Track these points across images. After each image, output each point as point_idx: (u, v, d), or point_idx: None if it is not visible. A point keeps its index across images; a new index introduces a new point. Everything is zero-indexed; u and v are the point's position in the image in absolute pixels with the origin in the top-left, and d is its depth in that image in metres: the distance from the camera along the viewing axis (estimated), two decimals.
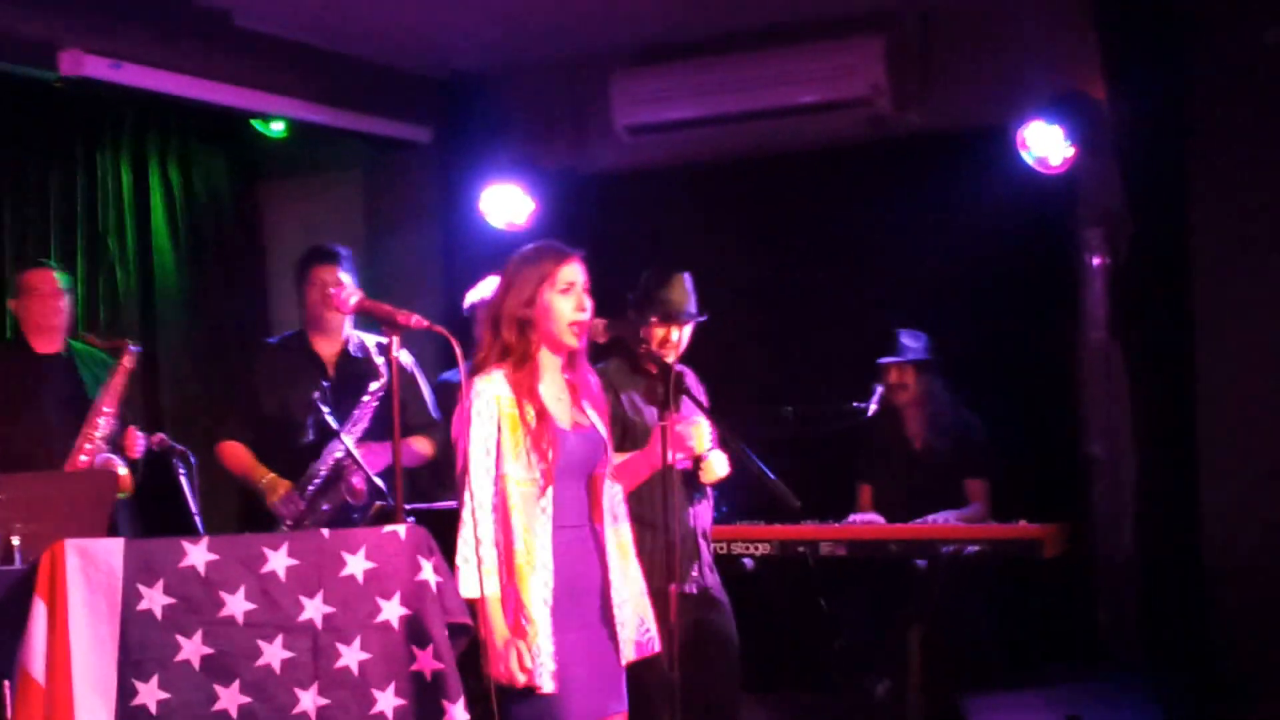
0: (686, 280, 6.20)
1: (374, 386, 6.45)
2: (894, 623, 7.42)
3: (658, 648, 5.07)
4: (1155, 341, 7.61)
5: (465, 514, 4.71)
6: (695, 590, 6.12)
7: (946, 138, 8.17)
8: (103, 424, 6.61)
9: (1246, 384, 7.57)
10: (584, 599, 4.87)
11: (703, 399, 6.27)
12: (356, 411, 6.43)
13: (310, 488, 6.39)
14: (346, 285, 6.52)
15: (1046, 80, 7.72)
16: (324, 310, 6.64)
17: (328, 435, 6.42)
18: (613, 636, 4.91)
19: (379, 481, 6.26)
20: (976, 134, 7.95)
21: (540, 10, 8.11)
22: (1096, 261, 7.74)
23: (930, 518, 7.40)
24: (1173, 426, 7.56)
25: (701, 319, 6.20)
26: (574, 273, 4.92)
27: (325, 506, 6.38)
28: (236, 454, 6.62)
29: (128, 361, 6.68)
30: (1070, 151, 7.49)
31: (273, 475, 6.46)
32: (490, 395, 4.80)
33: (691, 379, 6.31)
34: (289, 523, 6.35)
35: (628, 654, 4.96)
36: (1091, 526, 7.59)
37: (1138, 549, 7.50)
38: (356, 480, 6.38)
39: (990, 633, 7.37)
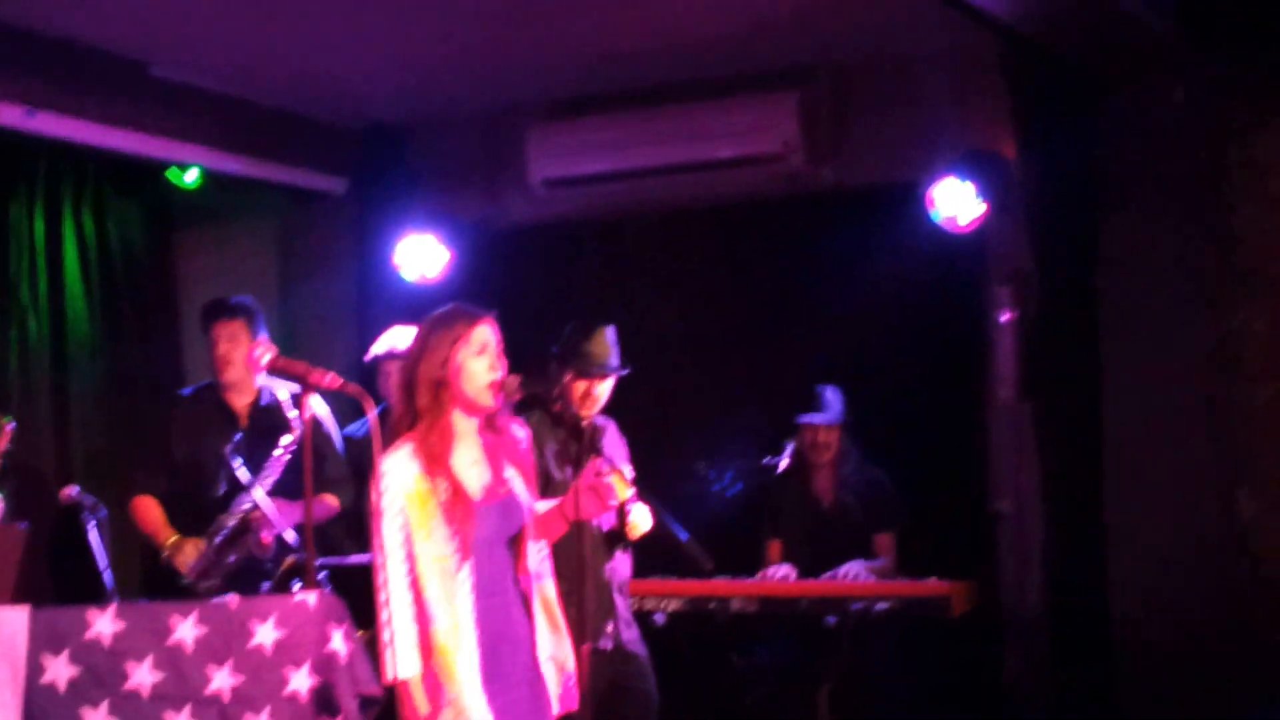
0: (609, 334, 6.26)
1: (286, 440, 6.44)
2: (804, 679, 7.44)
3: (576, 704, 5.04)
4: (1063, 399, 7.69)
5: (381, 597, 4.67)
6: (610, 646, 6.15)
7: (859, 194, 8.24)
8: None
9: (1153, 442, 7.67)
10: (512, 662, 4.84)
11: (624, 452, 6.33)
12: (267, 465, 6.41)
13: (217, 539, 6.36)
14: (261, 343, 6.56)
15: (958, 139, 7.81)
16: (224, 366, 6.65)
17: (239, 488, 6.40)
18: (541, 694, 4.91)
19: (290, 535, 6.24)
20: (888, 191, 8.02)
21: (456, 64, 8.13)
22: (1006, 319, 7.82)
23: (841, 569, 7.44)
24: (1080, 484, 7.64)
25: (623, 373, 6.25)
26: (487, 334, 4.92)
27: (231, 559, 6.36)
28: (147, 510, 6.59)
29: (2, 442, 6.40)
30: (981, 209, 7.56)
31: (178, 537, 6.43)
32: (397, 476, 4.77)
33: (613, 432, 6.37)
34: (192, 578, 6.32)
35: (555, 708, 4.96)
36: (999, 583, 7.66)
37: (1045, 606, 7.57)
38: (264, 534, 6.37)
39: (899, 690, 7.40)
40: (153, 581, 6.55)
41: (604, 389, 6.26)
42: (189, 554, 6.36)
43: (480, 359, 4.87)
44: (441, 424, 4.85)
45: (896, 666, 7.39)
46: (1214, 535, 7.52)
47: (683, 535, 5.46)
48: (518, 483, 4.98)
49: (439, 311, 5.02)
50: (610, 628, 6.22)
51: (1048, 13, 6.94)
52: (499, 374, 4.89)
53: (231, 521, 6.39)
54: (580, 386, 6.19)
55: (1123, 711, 7.55)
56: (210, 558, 6.34)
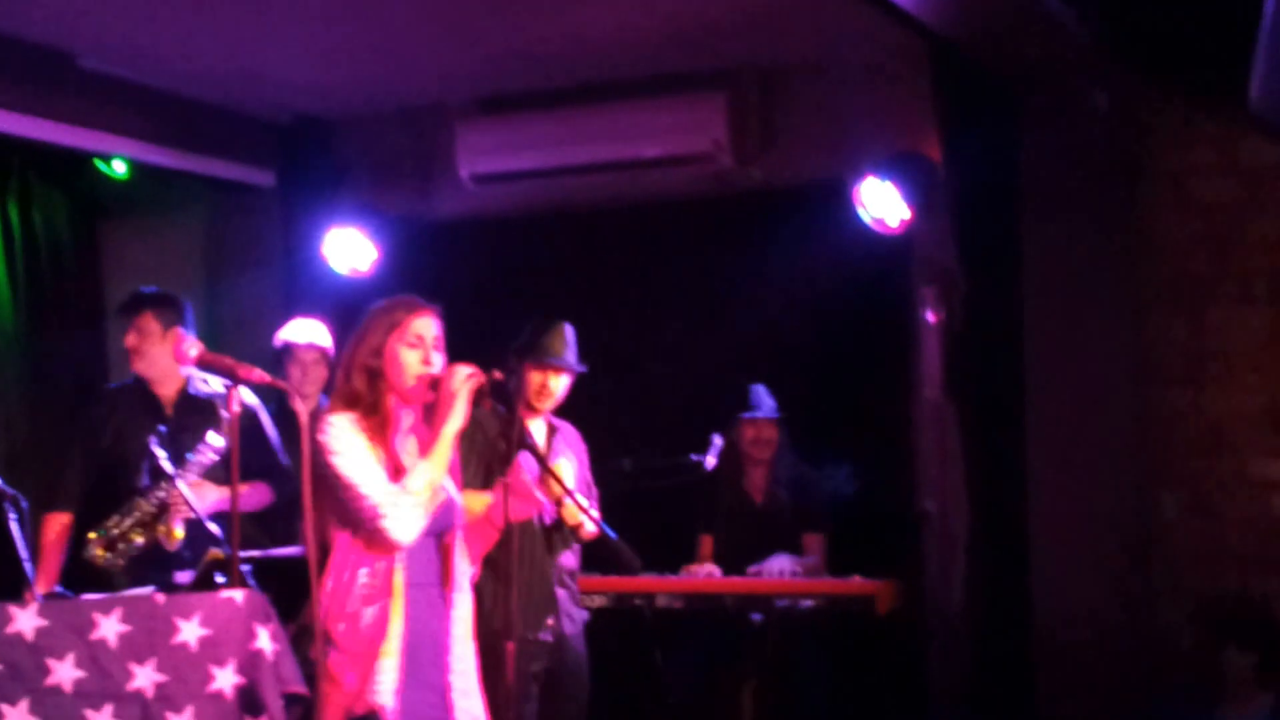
0: (567, 330, 6.35)
1: (215, 440, 6.41)
2: (728, 677, 7.48)
3: None
4: (987, 399, 7.74)
5: (366, 504, 4.66)
6: (550, 639, 6.19)
7: (786, 194, 8.29)
8: None
9: (1076, 444, 7.74)
10: (426, 658, 4.82)
11: (583, 454, 6.40)
12: (193, 456, 6.38)
13: (128, 520, 6.35)
14: (182, 335, 6.56)
15: (884, 140, 7.84)
16: (132, 359, 6.67)
17: (161, 478, 6.38)
18: (448, 703, 4.88)
19: (214, 528, 6.21)
20: (815, 191, 8.05)
21: (385, 58, 8.12)
22: (931, 319, 7.86)
23: (768, 561, 7.47)
24: (1004, 484, 7.70)
25: (580, 370, 6.32)
26: (424, 326, 4.90)
27: (139, 542, 6.35)
28: (50, 532, 6.56)
29: None
30: (907, 211, 7.61)
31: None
32: (349, 429, 4.76)
33: (570, 433, 6.45)
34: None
35: None
36: (923, 583, 7.71)
37: (968, 606, 7.62)
38: (176, 525, 6.36)
39: (823, 688, 7.45)
40: (70, 573, 6.52)
41: (559, 384, 6.36)
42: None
43: (413, 350, 4.85)
44: (379, 411, 4.84)
45: (821, 664, 7.45)
46: (1135, 537, 7.62)
47: (611, 535, 5.49)
48: (449, 484, 4.96)
49: (383, 300, 5.01)
50: (550, 620, 6.26)
51: (973, 18, 6.99)
52: (433, 368, 4.88)
53: (147, 507, 6.37)
54: (536, 380, 6.30)
55: (1042, 711, 7.62)
56: (111, 534, 6.33)
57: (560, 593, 6.34)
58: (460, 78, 8.51)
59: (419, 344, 4.87)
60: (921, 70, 7.66)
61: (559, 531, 6.27)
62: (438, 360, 4.89)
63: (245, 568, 5.21)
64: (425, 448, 4.85)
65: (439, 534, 4.91)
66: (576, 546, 6.45)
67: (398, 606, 4.74)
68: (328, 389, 7.35)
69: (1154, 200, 7.68)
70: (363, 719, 4.69)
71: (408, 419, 4.92)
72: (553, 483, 5.73)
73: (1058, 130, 7.77)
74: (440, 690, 4.85)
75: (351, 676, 4.71)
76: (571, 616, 6.41)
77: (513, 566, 5.19)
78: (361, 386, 4.85)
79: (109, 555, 6.37)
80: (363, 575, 4.74)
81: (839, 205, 7.66)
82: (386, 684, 4.70)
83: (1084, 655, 7.58)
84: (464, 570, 5.01)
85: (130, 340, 6.68)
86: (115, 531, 6.38)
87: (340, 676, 4.71)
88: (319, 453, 4.74)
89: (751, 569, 7.46)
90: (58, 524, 6.56)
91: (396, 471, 4.78)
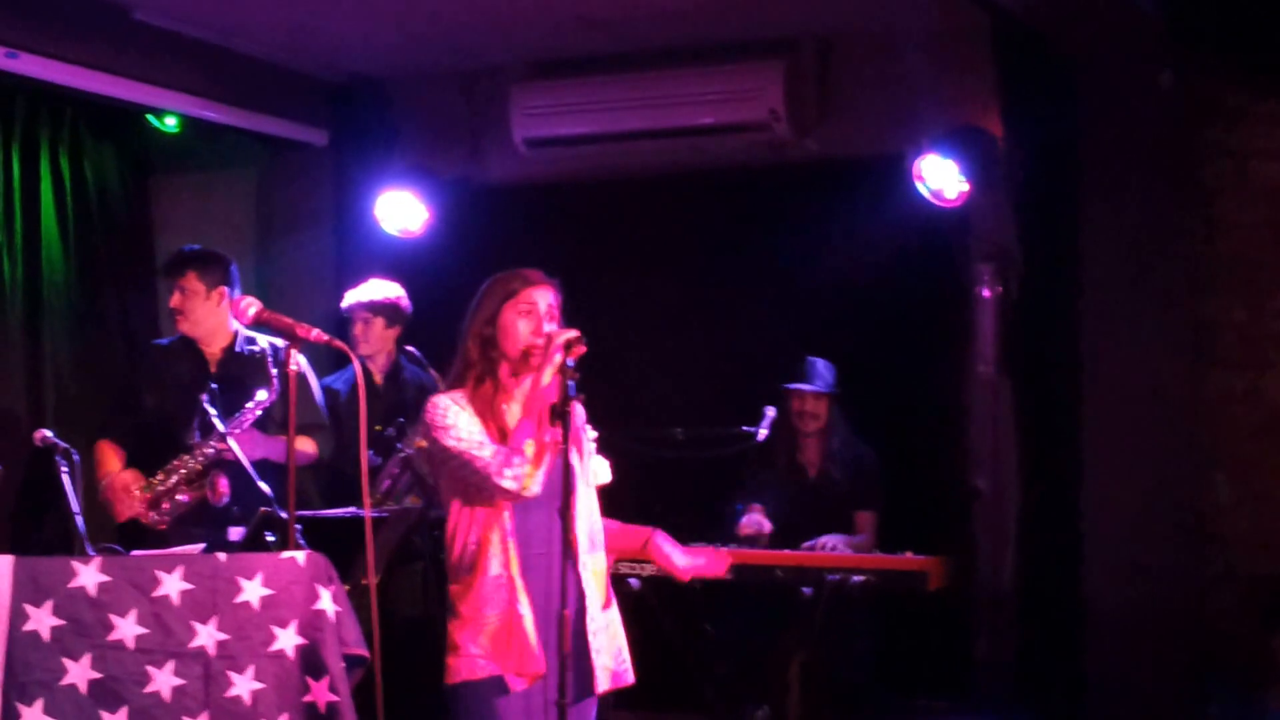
0: None
1: (261, 396, 6.39)
2: (776, 649, 7.44)
3: (631, 679, 5.07)
4: (1043, 377, 7.69)
5: (478, 465, 4.73)
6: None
7: (843, 165, 8.22)
8: None
9: (1132, 422, 7.66)
10: (552, 626, 4.80)
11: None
12: (240, 415, 6.38)
13: (174, 477, 6.35)
14: (223, 293, 6.61)
15: (943, 114, 7.80)
16: (177, 320, 6.68)
17: (211, 434, 6.37)
18: (590, 667, 4.88)
19: (264, 487, 6.20)
20: (873, 163, 8.01)
21: (441, 19, 8.06)
22: (987, 295, 7.81)
23: (820, 539, 7.44)
24: (1057, 462, 7.64)
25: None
26: (539, 297, 4.92)
27: (184, 498, 6.35)
28: (104, 457, 6.59)
29: None
30: (965, 185, 7.55)
31: (115, 474, 6.42)
32: (456, 408, 4.82)
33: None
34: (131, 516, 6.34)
35: (603, 682, 4.93)
36: (973, 559, 7.66)
37: (1018, 584, 7.58)
38: (222, 482, 6.35)
39: (870, 663, 7.41)
40: (124, 526, 6.52)
41: None
42: (122, 499, 6.35)
43: (526, 320, 4.87)
44: (492, 378, 4.88)
45: (869, 640, 7.40)
46: (1188, 520, 7.53)
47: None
48: (571, 452, 4.90)
49: (504, 271, 5.03)
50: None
51: None
52: (543, 340, 4.86)
53: (193, 463, 6.37)
54: None
55: (1090, 691, 7.57)
56: (157, 490, 6.34)
57: None
58: (516, 40, 8.44)
59: (532, 313, 4.89)
60: (983, 42, 7.61)
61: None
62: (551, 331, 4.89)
63: (297, 527, 5.21)
64: (526, 407, 4.87)
65: (554, 502, 4.85)
66: None
67: (515, 574, 4.78)
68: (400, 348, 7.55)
69: (1217, 181, 7.58)
70: (483, 682, 4.75)
71: (522, 390, 4.90)
72: None
73: (1119, 107, 7.68)
74: (571, 656, 4.78)
75: (472, 644, 4.77)
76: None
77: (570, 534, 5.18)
78: (475, 354, 4.91)
79: (154, 513, 6.37)
80: (475, 544, 4.80)
81: (896, 177, 7.65)
82: (508, 650, 4.74)
83: (1134, 637, 7.51)
84: (597, 529, 5.02)
85: (175, 301, 6.69)
86: (161, 489, 6.39)
87: (463, 645, 4.78)
88: (430, 435, 4.84)
89: (805, 545, 7.42)
90: (109, 449, 6.62)
91: (507, 438, 4.81)
